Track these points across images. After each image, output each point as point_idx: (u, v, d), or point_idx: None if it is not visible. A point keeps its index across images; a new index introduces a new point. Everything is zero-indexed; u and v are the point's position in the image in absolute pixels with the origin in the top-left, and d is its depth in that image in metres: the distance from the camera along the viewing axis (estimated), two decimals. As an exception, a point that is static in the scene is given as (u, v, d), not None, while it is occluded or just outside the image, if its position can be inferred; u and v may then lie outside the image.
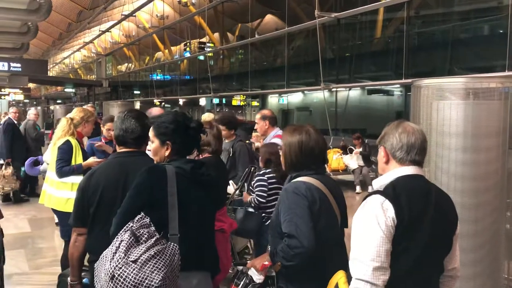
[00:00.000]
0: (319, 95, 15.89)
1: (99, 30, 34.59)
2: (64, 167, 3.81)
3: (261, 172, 3.67)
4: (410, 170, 1.82)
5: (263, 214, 3.60)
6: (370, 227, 1.68)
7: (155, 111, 3.75)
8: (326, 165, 3.23)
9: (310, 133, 2.29)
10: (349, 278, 1.76)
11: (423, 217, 1.74)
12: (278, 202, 2.24)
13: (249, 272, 2.36)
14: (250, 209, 3.66)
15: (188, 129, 2.16)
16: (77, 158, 3.89)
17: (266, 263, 2.25)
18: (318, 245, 2.03)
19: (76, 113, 4.11)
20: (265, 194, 3.59)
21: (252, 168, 4.12)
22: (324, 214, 2.15)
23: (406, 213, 1.69)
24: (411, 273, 1.74)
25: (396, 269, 1.69)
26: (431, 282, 1.87)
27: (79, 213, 2.34)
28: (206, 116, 7.10)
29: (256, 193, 3.60)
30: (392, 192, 1.73)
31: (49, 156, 4.17)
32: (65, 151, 3.85)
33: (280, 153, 2.42)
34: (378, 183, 1.85)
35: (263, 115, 4.48)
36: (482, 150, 3.33)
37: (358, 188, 9.18)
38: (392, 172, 1.85)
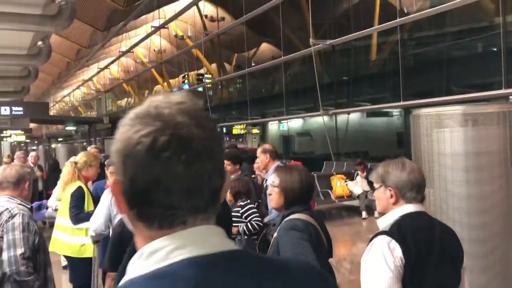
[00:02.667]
0: (319, 120, 15.98)
1: (98, 68, 35.13)
2: (81, 214, 3.84)
3: (244, 203, 3.89)
4: (413, 207, 1.85)
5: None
6: (379, 268, 1.69)
7: None
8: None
9: (305, 169, 2.47)
10: None
11: (430, 254, 1.76)
12: (275, 241, 2.28)
13: None
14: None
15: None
16: (89, 204, 3.93)
17: None
18: None
19: (79, 157, 4.16)
20: (260, 218, 3.80)
21: (256, 204, 4.13)
22: (317, 247, 2.21)
23: (413, 252, 1.70)
24: None
25: None
26: None
27: (115, 258, 2.41)
28: None
29: (255, 219, 3.80)
30: (397, 231, 1.76)
31: (54, 201, 4.19)
32: (79, 198, 3.89)
33: (271, 192, 2.48)
34: (383, 223, 1.88)
35: (264, 149, 4.51)
36: (484, 169, 3.35)
37: (364, 214, 9.12)
38: (395, 210, 1.88)
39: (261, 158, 4.46)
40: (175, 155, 0.67)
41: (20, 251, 2.50)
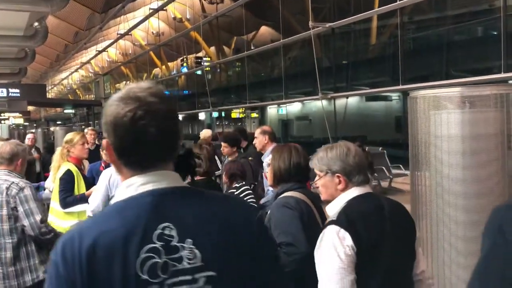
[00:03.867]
0: (318, 104, 15.94)
1: (96, 50, 34.84)
2: (68, 198, 3.82)
3: (239, 185, 3.87)
4: (360, 190, 1.83)
5: None
6: (331, 260, 1.66)
7: None
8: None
9: (298, 148, 2.49)
10: None
11: (381, 237, 1.73)
12: (268, 218, 2.30)
13: None
14: None
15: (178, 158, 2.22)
16: (80, 186, 3.89)
17: None
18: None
19: (65, 138, 4.11)
20: (255, 200, 3.81)
21: (253, 186, 4.14)
22: (310, 226, 2.22)
23: (364, 238, 1.68)
24: None
25: None
26: None
27: None
28: (205, 133, 7.16)
29: (250, 201, 3.77)
30: (345, 219, 1.71)
31: (51, 183, 4.17)
32: (67, 181, 3.86)
33: (267, 170, 2.61)
34: (332, 210, 1.84)
35: (263, 130, 4.53)
36: (480, 153, 3.35)
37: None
38: (342, 196, 1.84)
39: (259, 139, 4.47)
40: (148, 122, 1.03)
41: (38, 217, 2.99)
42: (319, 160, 1.91)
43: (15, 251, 2.99)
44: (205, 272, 1.03)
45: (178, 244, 1.02)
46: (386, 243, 1.74)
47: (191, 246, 1.02)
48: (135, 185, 1.06)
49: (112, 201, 1.08)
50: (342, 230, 1.68)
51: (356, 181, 1.84)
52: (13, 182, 3.03)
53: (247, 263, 1.08)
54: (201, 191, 1.14)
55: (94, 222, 1.07)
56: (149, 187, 1.05)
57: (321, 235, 1.75)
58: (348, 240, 1.66)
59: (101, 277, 0.98)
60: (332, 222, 1.73)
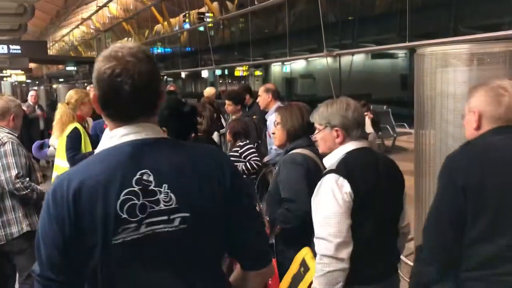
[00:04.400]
0: (322, 62, 15.72)
1: (96, 6, 34.14)
2: (77, 156, 3.82)
3: (242, 143, 3.89)
4: (357, 144, 1.93)
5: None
6: (329, 206, 1.79)
7: None
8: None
9: (306, 107, 2.54)
10: (314, 254, 1.88)
11: (376, 187, 1.85)
12: (276, 172, 2.41)
13: None
14: None
15: (182, 114, 2.22)
16: (86, 144, 3.90)
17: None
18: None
19: (70, 97, 4.05)
20: (259, 158, 3.85)
21: (256, 144, 4.13)
22: (316, 183, 2.26)
23: (361, 186, 1.80)
24: (373, 240, 1.86)
25: (359, 239, 1.80)
26: (391, 244, 2.01)
27: None
28: (209, 91, 7.12)
29: (253, 159, 3.82)
30: (344, 168, 1.83)
31: (55, 140, 4.16)
32: (75, 139, 3.85)
33: (273, 128, 2.60)
34: (329, 161, 1.96)
35: (267, 88, 4.48)
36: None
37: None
38: (340, 148, 1.94)
39: (263, 97, 4.42)
40: (123, 79, 1.13)
41: (14, 172, 2.98)
42: (320, 115, 2.00)
43: (0, 203, 3.04)
44: (180, 213, 1.15)
45: (155, 189, 1.13)
46: (379, 194, 1.86)
47: (167, 190, 1.14)
48: (117, 136, 1.18)
49: (98, 150, 1.23)
50: (341, 178, 1.79)
51: (354, 135, 1.93)
52: None
53: (218, 204, 1.20)
54: (177, 142, 1.29)
55: (80, 168, 1.18)
56: (130, 137, 1.17)
57: (319, 183, 1.87)
58: (346, 187, 1.78)
59: (86, 215, 1.10)
60: (332, 171, 1.84)
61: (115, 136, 1.18)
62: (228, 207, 1.22)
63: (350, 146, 1.92)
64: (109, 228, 1.10)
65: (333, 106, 1.96)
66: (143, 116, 1.20)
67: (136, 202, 1.12)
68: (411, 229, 2.16)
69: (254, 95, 5.15)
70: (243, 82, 27.83)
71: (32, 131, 8.33)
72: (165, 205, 1.14)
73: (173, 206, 1.15)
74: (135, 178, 1.13)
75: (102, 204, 1.10)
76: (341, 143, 1.94)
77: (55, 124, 4.00)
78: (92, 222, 1.10)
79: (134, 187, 1.12)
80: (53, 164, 4.32)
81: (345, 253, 1.76)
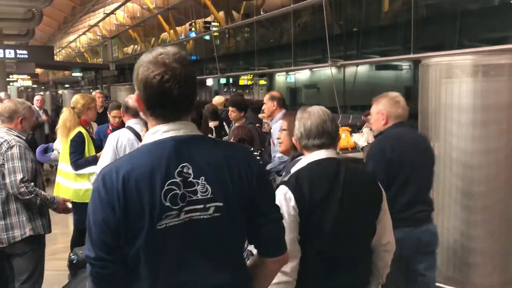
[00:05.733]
0: (327, 72, 15.76)
1: (104, 13, 34.39)
2: (79, 160, 3.85)
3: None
4: (319, 154, 1.90)
5: None
6: None
7: (132, 99, 3.68)
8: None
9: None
10: None
11: (328, 202, 1.80)
12: (284, 176, 2.36)
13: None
14: None
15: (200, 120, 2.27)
16: (90, 148, 3.92)
17: None
18: None
19: (76, 101, 4.08)
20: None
21: (259, 151, 4.13)
22: None
23: (307, 201, 1.79)
24: (322, 256, 1.82)
25: (307, 254, 1.80)
26: (351, 263, 1.90)
27: None
28: (218, 99, 7.27)
29: None
30: (294, 181, 1.84)
31: (60, 145, 4.18)
32: (78, 143, 3.88)
33: (281, 135, 2.60)
34: (293, 171, 1.97)
35: (272, 96, 4.48)
36: (490, 124, 3.30)
37: (368, 166, 9.16)
38: (304, 159, 1.95)
39: (268, 105, 4.43)
40: (172, 84, 1.27)
41: (19, 176, 2.99)
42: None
43: (5, 206, 3.05)
44: (214, 203, 1.30)
45: (193, 180, 1.29)
46: (332, 209, 1.81)
47: (204, 182, 1.30)
48: (159, 132, 1.32)
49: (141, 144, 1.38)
50: (289, 191, 1.80)
51: (307, 145, 1.92)
52: (5, 140, 3.07)
53: (246, 196, 1.36)
54: (212, 139, 1.50)
55: (128, 159, 1.33)
56: (171, 134, 1.31)
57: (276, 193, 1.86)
58: (292, 200, 1.79)
59: (134, 201, 1.24)
60: (283, 183, 1.86)
61: (158, 132, 1.32)
62: (254, 199, 1.38)
63: (314, 156, 1.91)
64: (154, 214, 1.24)
65: (297, 114, 2.00)
66: (183, 115, 1.35)
67: (178, 192, 1.27)
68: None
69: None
70: (247, 91, 27.89)
71: (37, 135, 8.37)
72: (202, 195, 1.29)
73: (208, 196, 1.30)
74: (177, 171, 1.27)
75: (149, 192, 1.25)
76: (300, 151, 1.98)
77: (59, 128, 4.03)
78: (139, 208, 1.24)
79: (176, 179, 1.27)
80: (57, 168, 4.34)
81: (289, 266, 1.74)
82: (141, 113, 1.39)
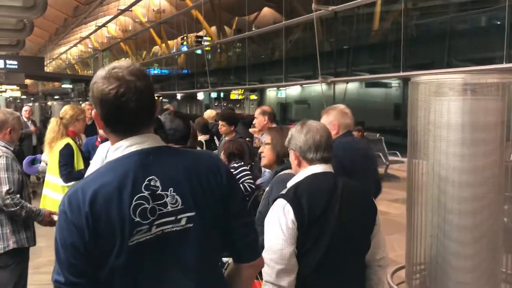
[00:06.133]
0: (317, 88, 15.88)
1: (96, 25, 34.48)
2: (73, 172, 3.79)
3: (237, 165, 3.86)
4: (317, 168, 1.89)
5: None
6: (274, 231, 1.77)
7: None
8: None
9: None
10: None
11: (326, 216, 1.79)
12: (268, 191, 2.36)
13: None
14: None
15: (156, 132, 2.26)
16: (78, 160, 3.86)
17: None
18: None
19: (65, 112, 4.03)
20: (253, 181, 3.79)
21: (250, 166, 4.12)
22: None
23: (306, 214, 1.76)
24: (319, 270, 1.80)
25: (304, 268, 1.77)
26: (347, 278, 1.88)
27: None
28: (209, 113, 7.29)
29: (247, 181, 3.77)
30: (293, 194, 1.80)
31: (47, 156, 4.12)
32: (68, 155, 3.81)
33: (263, 149, 2.60)
34: (290, 185, 1.92)
35: (263, 110, 4.47)
36: (479, 143, 3.33)
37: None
38: (301, 172, 1.92)
39: (259, 120, 4.41)
40: (128, 98, 1.23)
41: (5, 188, 2.90)
42: (288, 137, 2.01)
43: None
44: (186, 213, 1.27)
45: (162, 193, 1.25)
46: (331, 223, 1.79)
47: (173, 193, 1.26)
48: (122, 148, 1.28)
49: (104, 162, 1.33)
50: (288, 205, 1.77)
51: (311, 158, 1.89)
52: None
53: (217, 202, 1.33)
54: (177, 149, 1.43)
55: (92, 178, 1.27)
56: (134, 148, 1.27)
57: (272, 206, 1.84)
58: (291, 214, 1.75)
59: (103, 220, 1.20)
60: (281, 196, 1.82)
61: (120, 148, 1.28)
62: (225, 204, 1.35)
63: (311, 170, 1.89)
64: (125, 231, 1.20)
65: (293, 129, 1.97)
66: (144, 128, 1.31)
67: (147, 206, 1.23)
68: (401, 258, 2.09)
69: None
70: (238, 106, 27.97)
71: (24, 146, 8.28)
72: (172, 207, 1.26)
73: (179, 207, 1.27)
74: (144, 184, 1.23)
75: (117, 209, 1.21)
76: (299, 165, 1.94)
77: (46, 138, 3.97)
78: (109, 227, 1.20)
79: (144, 193, 1.23)
80: (43, 181, 4.27)
81: (287, 281, 1.73)
82: (100, 131, 1.34)
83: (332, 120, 2.87)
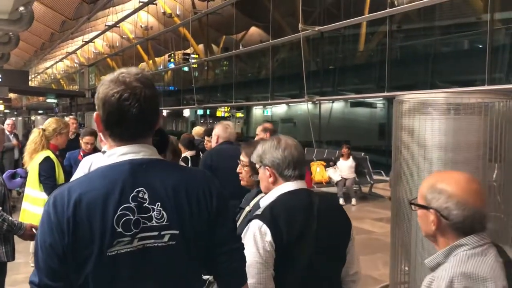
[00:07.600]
0: (303, 107, 16.00)
1: (82, 41, 34.41)
2: (58, 185, 3.71)
3: None
4: (292, 185, 1.81)
5: None
6: (250, 254, 1.65)
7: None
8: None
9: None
10: None
11: (304, 234, 1.72)
12: (248, 215, 2.24)
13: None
14: None
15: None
16: (59, 173, 3.80)
17: None
18: None
19: (48, 124, 3.97)
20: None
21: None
22: None
23: (284, 235, 1.68)
24: None
25: None
26: None
27: None
28: (198, 129, 7.40)
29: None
30: (269, 214, 1.71)
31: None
32: (49, 168, 3.74)
33: (242, 169, 2.52)
34: (263, 204, 1.84)
35: (265, 127, 4.60)
36: (462, 163, 3.36)
37: (341, 201, 9.19)
38: (275, 190, 1.83)
39: (261, 137, 4.46)
40: (131, 103, 1.23)
41: None
42: (255, 153, 1.91)
43: None
44: (170, 231, 1.24)
45: (149, 206, 1.22)
46: (310, 242, 1.73)
47: (160, 208, 1.23)
48: (116, 154, 1.26)
49: (97, 166, 1.30)
50: (264, 226, 1.68)
51: (287, 175, 1.82)
52: None
53: (204, 224, 1.29)
54: (170, 164, 1.42)
55: (80, 182, 1.25)
56: (128, 157, 1.25)
57: (246, 227, 1.74)
58: (268, 236, 1.67)
59: (84, 226, 1.17)
60: (257, 216, 1.73)
61: (114, 154, 1.27)
62: (212, 228, 1.31)
63: (285, 187, 1.81)
64: (105, 240, 1.18)
65: (266, 144, 1.88)
66: (143, 137, 1.30)
67: (131, 217, 1.20)
68: (385, 277, 2.06)
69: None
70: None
71: (5, 160, 8.13)
72: (157, 222, 1.23)
73: (164, 223, 1.23)
74: (131, 195, 1.21)
75: (100, 217, 1.18)
76: (274, 183, 1.84)
77: (26, 149, 3.90)
78: (89, 233, 1.18)
79: (130, 204, 1.20)
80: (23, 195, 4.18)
81: None
82: (100, 134, 1.31)
83: (216, 132, 3.95)
